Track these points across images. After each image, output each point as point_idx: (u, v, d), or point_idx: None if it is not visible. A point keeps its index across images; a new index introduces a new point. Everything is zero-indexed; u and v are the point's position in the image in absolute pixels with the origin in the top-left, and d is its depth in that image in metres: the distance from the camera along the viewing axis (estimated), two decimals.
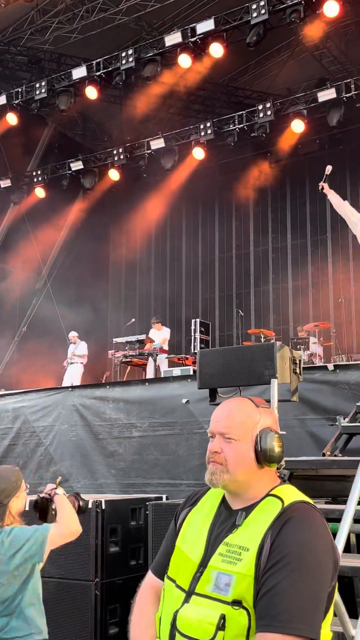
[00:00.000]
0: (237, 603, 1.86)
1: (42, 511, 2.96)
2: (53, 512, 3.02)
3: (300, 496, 2.03)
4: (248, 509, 2.01)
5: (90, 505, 5.24)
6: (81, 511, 3.19)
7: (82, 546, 5.21)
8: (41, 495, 3.01)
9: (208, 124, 15.14)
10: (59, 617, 5.27)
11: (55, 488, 3.10)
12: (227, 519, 2.04)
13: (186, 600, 1.95)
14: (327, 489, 4.63)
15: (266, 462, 2.05)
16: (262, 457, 2.04)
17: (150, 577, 2.19)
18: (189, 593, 1.95)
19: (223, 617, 1.85)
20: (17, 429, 7.73)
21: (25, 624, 2.82)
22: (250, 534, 1.94)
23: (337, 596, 2.00)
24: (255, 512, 1.99)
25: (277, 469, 2.15)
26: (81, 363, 14.21)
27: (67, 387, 8.08)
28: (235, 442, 2.07)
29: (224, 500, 2.11)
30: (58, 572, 5.28)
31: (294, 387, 4.98)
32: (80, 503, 3.17)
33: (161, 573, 2.13)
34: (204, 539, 2.03)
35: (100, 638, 5.07)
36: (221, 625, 1.85)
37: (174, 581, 2.01)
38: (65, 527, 3.06)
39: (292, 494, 2.04)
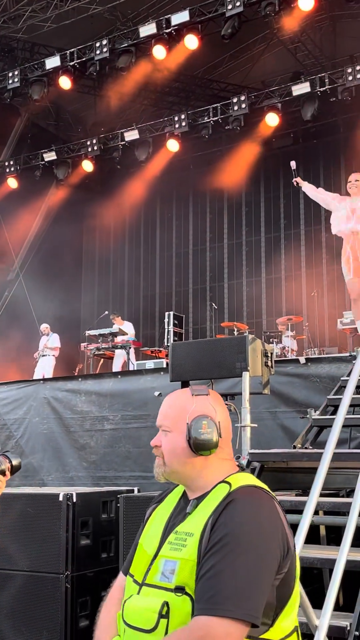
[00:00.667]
0: (179, 589, 1.83)
1: None
2: None
3: (252, 481, 1.98)
4: (200, 498, 1.99)
5: (61, 498, 5.21)
6: (14, 471, 3.10)
7: (52, 539, 5.18)
8: None
9: (182, 116, 15.11)
10: (29, 610, 5.25)
11: None
12: (182, 510, 2.03)
13: (137, 592, 1.95)
14: (297, 481, 4.66)
15: (199, 450, 1.99)
16: (194, 446, 1.99)
17: (119, 577, 2.19)
18: (141, 585, 1.95)
19: (165, 604, 1.82)
20: None
21: None
22: (196, 520, 1.92)
23: (299, 587, 1.93)
24: (206, 500, 1.97)
25: (238, 457, 2.14)
26: (53, 355, 14.12)
27: (39, 380, 8.03)
28: (169, 434, 2.06)
29: (184, 494, 2.10)
30: (28, 565, 5.25)
31: (265, 379, 5.00)
32: (13, 462, 3.08)
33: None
34: (160, 532, 2.03)
35: (70, 631, 5.05)
36: (164, 613, 1.82)
37: (132, 576, 2.02)
38: None
39: (243, 479, 1.99)
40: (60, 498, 5.21)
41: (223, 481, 1.98)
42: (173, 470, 2.05)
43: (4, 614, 5.34)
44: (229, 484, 1.95)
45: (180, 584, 1.83)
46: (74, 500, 5.24)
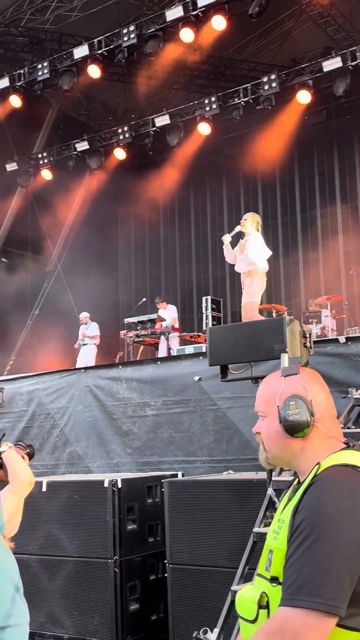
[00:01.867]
0: (274, 580, 1.78)
1: None
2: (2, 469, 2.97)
3: (348, 460, 1.84)
4: (303, 482, 1.90)
5: (106, 484, 5.29)
6: (31, 457, 3.15)
7: (99, 525, 5.27)
8: None
9: (213, 99, 15.00)
10: (79, 594, 5.35)
11: None
12: (292, 496, 1.95)
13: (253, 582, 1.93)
14: None
15: (292, 432, 1.91)
16: (286, 428, 1.91)
17: None
18: (256, 575, 1.93)
19: (263, 595, 1.79)
20: (32, 412, 7.78)
21: None
22: (291, 507, 1.86)
23: None
24: (303, 484, 1.87)
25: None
26: (94, 344, 14.24)
27: (80, 369, 8.12)
28: (265, 419, 2.00)
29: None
30: (77, 551, 5.35)
31: (304, 361, 4.98)
32: (28, 450, 3.13)
33: None
34: (276, 519, 1.96)
35: (121, 614, 5.13)
36: (264, 604, 1.78)
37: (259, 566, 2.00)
38: (17, 484, 3.01)
39: (337, 458, 1.86)
40: (106, 484, 5.28)
41: (318, 462, 1.87)
42: (274, 455, 2.00)
43: (56, 599, 5.45)
44: (320, 465, 1.85)
45: (274, 574, 1.79)
46: (119, 486, 5.31)
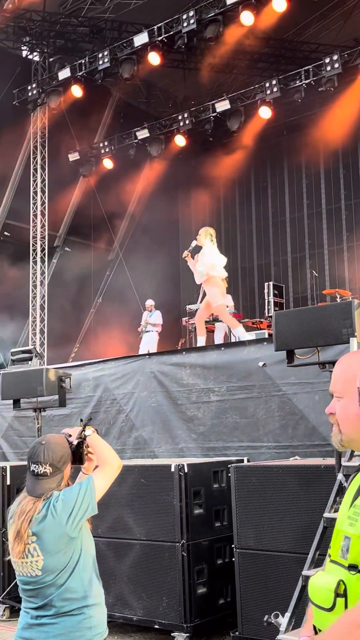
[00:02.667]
0: (353, 567, 1.73)
1: (75, 455, 3.00)
2: (86, 454, 3.03)
3: None
4: None
5: (173, 469, 5.33)
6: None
7: (166, 509, 5.31)
8: (74, 442, 3.03)
9: (274, 82, 14.80)
10: (148, 577, 5.42)
11: (84, 430, 3.11)
12: None
13: (325, 568, 1.89)
14: None
15: None
16: None
17: None
18: (330, 561, 1.88)
19: (340, 583, 1.74)
20: (98, 397, 7.89)
21: (81, 586, 2.88)
22: None
23: None
24: None
25: None
26: (156, 331, 14.33)
27: (145, 355, 8.17)
28: (342, 400, 1.95)
29: None
30: (144, 534, 5.41)
31: None
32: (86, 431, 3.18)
33: None
34: (347, 504, 1.91)
35: (189, 597, 5.18)
36: (341, 592, 1.73)
37: (329, 548, 1.95)
38: (107, 467, 3.09)
39: None
40: (172, 469, 5.32)
41: None
42: (350, 438, 1.95)
43: (125, 581, 5.54)
44: None
45: (353, 562, 1.74)
46: (186, 470, 5.34)
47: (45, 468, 2.88)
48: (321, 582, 1.83)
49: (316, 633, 1.87)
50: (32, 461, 2.91)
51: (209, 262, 8.87)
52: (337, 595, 1.74)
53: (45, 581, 2.81)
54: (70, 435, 3.05)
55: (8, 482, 6.49)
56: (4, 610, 6.36)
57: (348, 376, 1.95)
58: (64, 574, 2.82)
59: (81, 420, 3.15)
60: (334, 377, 1.98)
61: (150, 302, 14.71)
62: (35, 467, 2.90)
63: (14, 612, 6.37)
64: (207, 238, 9.18)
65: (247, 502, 4.96)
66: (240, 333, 9.33)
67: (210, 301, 9.13)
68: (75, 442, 3.02)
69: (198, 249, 9.25)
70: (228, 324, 9.66)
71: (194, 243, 9.30)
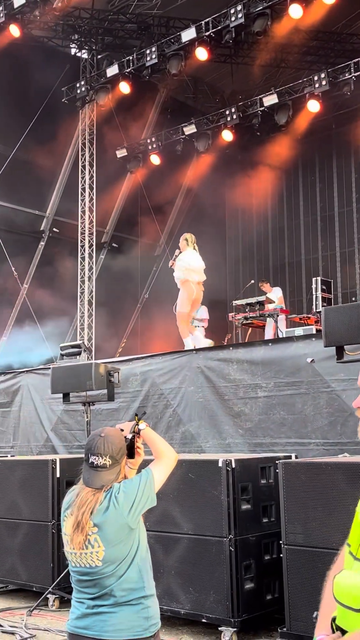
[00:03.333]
0: None
1: (128, 449, 3.03)
2: (136, 449, 3.06)
3: None
4: None
5: (220, 464, 5.34)
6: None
7: (214, 504, 5.33)
8: (128, 436, 3.06)
9: (322, 75, 14.64)
10: (195, 571, 5.44)
11: (137, 424, 3.14)
12: None
13: (352, 566, 1.85)
14: None
15: None
16: None
17: (343, 547, 2.13)
18: (355, 559, 1.85)
19: None
20: (146, 392, 7.95)
21: (139, 576, 2.92)
22: None
23: None
24: None
25: None
26: (202, 327, 14.33)
27: (192, 350, 8.19)
28: None
29: None
30: (192, 529, 5.43)
31: None
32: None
33: None
34: None
35: (236, 593, 5.18)
36: None
37: (349, 546, 1.93)
38: (165, 459, 3.12)
39: None
40: (220, 464, 5.33)
41: None
42: None
43: (173, 575, 5.57)
44: None
45: None
46: (233, 466, 5.34)
47: (104, 460, 2.92)
48: (350, 581, 1.79)
49: (342, 633, 1.82)
50: (92, 453, 2.94)
51: (182, 267, 9.53)
52: None
53: (105, 572, 2.85)
54: (122, 430, 3.09)
55: (58, 475, 6.59)
56: (53, 601, 6.47)
57: None
58: (124, 564, 2.87)
59: (136, 414, 3.19)
60: None
61: None
62: (94, 458, 2.93)
63: (64, 603, 6.48)
64: (185, 243, 9.84)
65: (295, 498, 4.94)
66: (188, 342, 10.02)
67: (177, 303, 9.87)
68: (129, 436, 3.05)
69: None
70: (181, 332, 10.24)
71: (177, 252, 9.79)
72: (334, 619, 1.86)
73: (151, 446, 3.17)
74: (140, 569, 2.92)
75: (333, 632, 1.86)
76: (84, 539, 2.85)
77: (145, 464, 3.13)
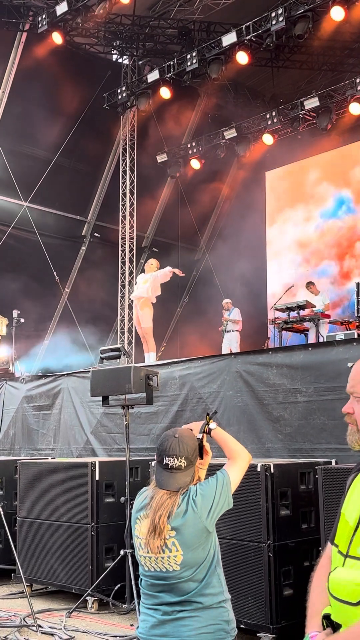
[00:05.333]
0: None
1: (200, 449, 2.98)
2: (205, 449, 3.01)
3: None
4: None
5: (259, 469, 5.31)
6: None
7: (253, 509, 5.29)
8: (198, 436, 3.00)
9: None
10: (233, 576, 5.41)
11: (208, 424, 3.09)
12: None
13: (342, 563, 1.92)
14: None
15: None
16: None
17: (327, 547, 2.18)
18: (345, 556, 1.92)
19: None
20: (184, 396, 7.94)
21: (218, 581, 2.89)
22: None
23: None
24: None
25: None
26: (236, 330, 14.30)
27: (231, 354, 8.16)
28: None
29: None
30: (230, 533, 5.40)
31: None
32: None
33: None
34: None
35: (275, 599, 5.14)
36: None
37: (337, 546, 1.99)
38: (239, 460, 3.07)
39: None
40: (259, 469, 5.29)
41: None
42: None
43: None
44: None
45: None
46: (272, 471, 5.30)
47: (180, 461, 2.86)
48: (346, 577, 1.86)
49: (334, 627, 1.90)
50: (166, 454, 2.88)
51: (157, 287, 11.52)
52: None
53: (183, 576, 2.79)
54: (191, 430, 3.04)
55: (97, 477, 6.63)
56: (92, 603, 6.50)
57: None
58: (203, 568, 2.83)
59: (207, 414, 3.14)
60: (353, 378, 2.03)
61: (227, 301, 14.72)
62: (170, 460, 2.86)
63: (103, 605, 6.51)
64: (155, 266, 11.85)
65: (335, 504, 4.86)
66: (152, 357, 11.06)
67: (140, 320, 11.41)
68: (199, 436, 3.00)
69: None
70: (150, 345, 11.35)
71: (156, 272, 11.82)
72: (325, 616, 1.94)
73: (223, 446, 3.12)
74: (219, 573, 2.90)
75: (324, 628, 1.94)
76: (162, 543, 2.79)
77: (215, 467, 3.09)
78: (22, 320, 12.73)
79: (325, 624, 1.93)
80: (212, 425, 3.07)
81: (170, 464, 2.86)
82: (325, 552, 2.18)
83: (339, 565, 1.93)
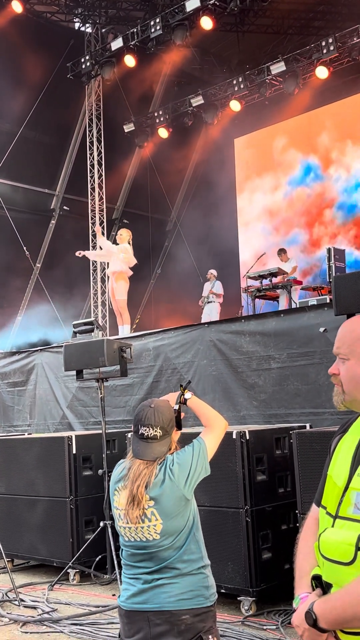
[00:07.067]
0: None
1: (177, 420, 2.99)
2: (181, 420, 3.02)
3: None
4: None
5: (234, 436, 5.34)
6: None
7: (230, 475, 5.34)
8: (174, 407, 3.00)
9: (330, 40, 14.38)
10: (212, 543, 5.46)
11: (183, 394, 3.10)
12: None
13: (332, 524, 1.95)
14: None
15: None
16: None
17: (312, 509, 2.19)
18: (334, 517, 1.94)
19: None
20: (159, 367, 7.95)
21: (197, 547, 2.91)
22: None
23: None
24: None
25: None
26: (218, 302, 14.33)
27: (204, 324, 8.16)
28: (347, 362, 2.01)
29: None
30: (208, 500, 5.45)
31: None
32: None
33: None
34: (348, 463, 1.99)
35: (254, 562, 5.21)
36: None
37: (324, 508, 2.02)
38: (215, 428, 3.09)
39: None
40: (234, 436, 5.33)
41: None
42: (353, 398, 2.02)
43: None
44: None
45: None
46: (247, 437, 5.34)
47: (155, 431, 2.86)
48: (337, 537, 1.89)
49: (323, 588, 1.93)
50: (142, 424, 2.89)
51: (129, 260, 11.07)
52: (357, 549, 1.81)
53: (163, 544, 2.81)
54: (168, 401, 3.04)
55: (74, 451, 6.64)
56: (74, 575, 6.54)
57: (355, 339, 2.00)
58: (182, 535, 2.84)
59: (181, 385, 3.14)
60: (339, 339, 2.03)
61: (212, 272, 14.69)
62: (145, 430, 2.87)
63: (84, 577, 6.56)
64: (126, 237, 11.29)
65: (310, 468, 4.93)
66: (126, 330, 10.84)
67: (115, 293, 11.06)
68: (176, 407, 3.01)
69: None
70: (124, 318, 11.13)
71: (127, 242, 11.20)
72: (315, 577, 1.96)
73: (199, 415, 3.13)
74: (198, 539, 2.91)
75: (313, 589, 1.96)
76: (141, 513, 2.80)
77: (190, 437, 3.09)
78: None
79: (314, 585, 1.96)
80: (187, 395, 3.07)
81: (146, 434, 2.87)
82: (310, 514, 2.20)
83: (328, 527, 1.95)
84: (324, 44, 14.52)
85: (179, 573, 2.82)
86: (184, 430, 3.08)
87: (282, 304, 12.69)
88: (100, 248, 12.10)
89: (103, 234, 13.07)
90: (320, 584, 1.94)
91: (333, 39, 14.32)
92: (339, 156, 17.80)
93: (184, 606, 2.78)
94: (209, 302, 14.33)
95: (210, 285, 14.51)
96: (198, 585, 2.85)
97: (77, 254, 11.53)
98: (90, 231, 17.78)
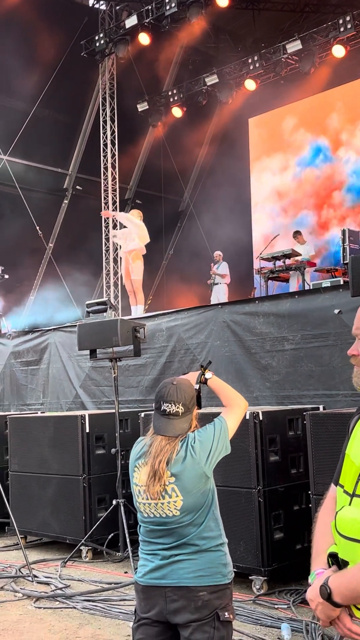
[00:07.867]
0: None
1: (198, 399, 3.02)
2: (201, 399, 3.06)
3: None
4: None
5: (248, 417, 5.34)
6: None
7: (243, 455, 5.35)
8: (195, 386, 3.04)
9: (348, 18, 14.18)
10: (226, 523, 5.48)
11: (204, 374, 3.13)
12: None
13: (349, 503, 1.95)
14: None
15: None
16: None
17: (331, 488, 2.20)
18: (352, 496, 1.95)
19: None
20: (172, 347, 7.95)
21: (216, 524, 2.93)
22: None
23: None
24: None
25: None
26: (224, 283, 14.27)
27: (217, 305, 8.14)
28: None
29: None
30: (222, 480, 5.45)
31: None
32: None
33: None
34: None
35: (266, 542, 5.24)
36: None
37: (342, 487, 2.02)
38: (236, 407, 3.12)
39: None
40: (247, 417, 5.33)
41: None
42: None
43: None
44: None
45: None
46: (261, 418, 5.34)
47: (177, 407, 2.88)
48: (354, 515, 1.90)
49: (340, 565, 1.94)
50: (164, 400, 2.90)
51: (145, 236, 10.94)
52: None
53: (183, 521, 2.83)
54: (189, 380, 3.06)
55: (87, 430, 6.67)
56: (87, 552, 6.60)
57: None
58: (203, 512, 2.86)
59: (202, 366, 3.16)
60: (358, 320, 2.00)
61: (218, 253, 14.63)
62: (167, 406, 2.88)
63: (97, 554, 6.62)
64: (137, 215, 11.17)
65: (323, 449, 4.94)
66: (140, 310, 10.74)
67: (130, 272, 10.97)
68: (196, 386, 3.03)
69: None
70: (139, 298, 11.09)
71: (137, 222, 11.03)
72: (331, 555, 1.97)
73: (220, 394, 3.16)
74: (217, 517, 2.93)
75: (329, 566, 1.97)
76: (162, 489, 2.82)
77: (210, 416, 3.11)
78: (6, 277, 12.61)
79: (330, 562, 1.97)
80: (208, 374, 3.10)
81: (168, 410, 2.89)
82: (328, 493, 2.21)
83: (345, 505, 1.97)
84: (341, 21, 14.33)
85: (198, 549, 2.84)
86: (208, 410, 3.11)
87: (293, 286, 12.64)
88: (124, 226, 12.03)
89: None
90: (337, 562, 1.95)
91: (351, 16, 14.12)
92: (349, 138, 17.60)
93: (202, 582, 2.81)
94: (215, 284, 14.27)
95: (216, 267, 14.45)
96: (216, 562, 2.87)
97: (102, 214, 12.33)
98: (102, 210, 17.73)
